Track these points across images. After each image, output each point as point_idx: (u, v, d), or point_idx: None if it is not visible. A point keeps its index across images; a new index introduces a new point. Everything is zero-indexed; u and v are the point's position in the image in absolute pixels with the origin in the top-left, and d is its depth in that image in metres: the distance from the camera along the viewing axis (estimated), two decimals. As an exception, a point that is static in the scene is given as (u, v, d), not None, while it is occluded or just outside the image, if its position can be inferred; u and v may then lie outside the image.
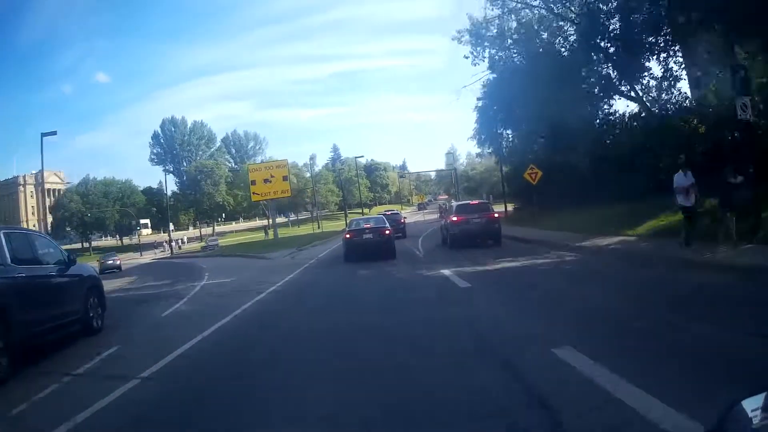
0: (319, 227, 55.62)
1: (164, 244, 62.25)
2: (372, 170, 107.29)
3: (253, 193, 44.68)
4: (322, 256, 20.67)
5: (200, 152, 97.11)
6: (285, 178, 43.76)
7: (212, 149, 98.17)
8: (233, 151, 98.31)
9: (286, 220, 64.99)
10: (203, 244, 57.02)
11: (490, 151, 36.20)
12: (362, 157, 60.80)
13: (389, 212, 31.76)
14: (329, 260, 18.62)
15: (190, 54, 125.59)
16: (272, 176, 42.94)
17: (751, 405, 1.07)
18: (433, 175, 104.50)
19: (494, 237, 17.00)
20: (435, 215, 46.79)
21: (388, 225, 16.82)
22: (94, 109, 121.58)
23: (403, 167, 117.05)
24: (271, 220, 48.35)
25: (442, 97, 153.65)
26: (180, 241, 64.99)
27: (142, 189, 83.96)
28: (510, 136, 31.69)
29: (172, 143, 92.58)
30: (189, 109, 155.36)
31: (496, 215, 18.01)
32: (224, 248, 45.29)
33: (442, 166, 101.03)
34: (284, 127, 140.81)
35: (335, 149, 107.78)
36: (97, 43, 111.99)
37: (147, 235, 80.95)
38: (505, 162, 33.78)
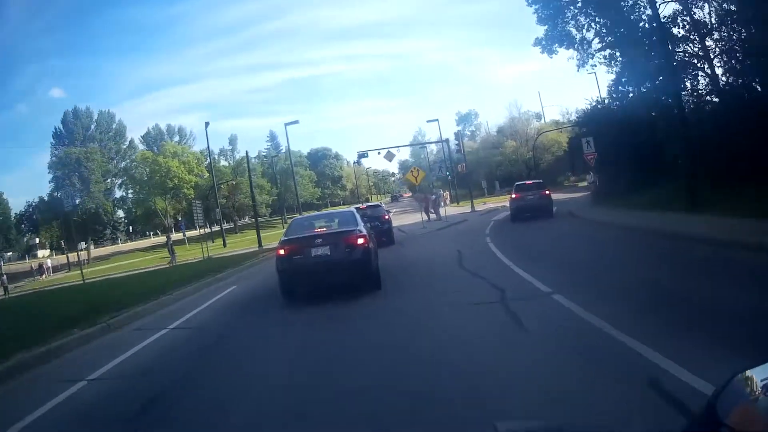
0: (224, 245, 39.40)
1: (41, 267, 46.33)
2: (319, 158, 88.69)
3: None
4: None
5: (106, 150, 79.38)
6: None
7: (123, 146, 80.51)
8: (155, 149, 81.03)
9: (182, 235, 44.95)
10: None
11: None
12: (297, 123, 39.16)
13: (366, 205, 21.57)
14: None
15: (141, 69, 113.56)
16: None
17: (754, 374, 1.02)
18: (396, 170, 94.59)
19: (546, 211, 19.58)
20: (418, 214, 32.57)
21: (360, 227, 9.16)
22: (50, 128, 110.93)
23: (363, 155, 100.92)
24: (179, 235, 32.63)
25: (395, 101, 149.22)
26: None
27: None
28: None
29: (73, 140, 75.41)
30: (142, 123, 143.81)
31: (547, 192, 20.59)
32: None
33: (396, 167, 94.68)
34: (238, 137, 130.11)
35: (273, 137, 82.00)
36: (51, 63, 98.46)
37: (44, 257, 64.77)
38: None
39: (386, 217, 19.54)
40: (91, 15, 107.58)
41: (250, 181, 25.94)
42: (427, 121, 45.02)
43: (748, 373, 1.01)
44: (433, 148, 74.93)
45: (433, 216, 27.46)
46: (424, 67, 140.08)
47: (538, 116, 59.30)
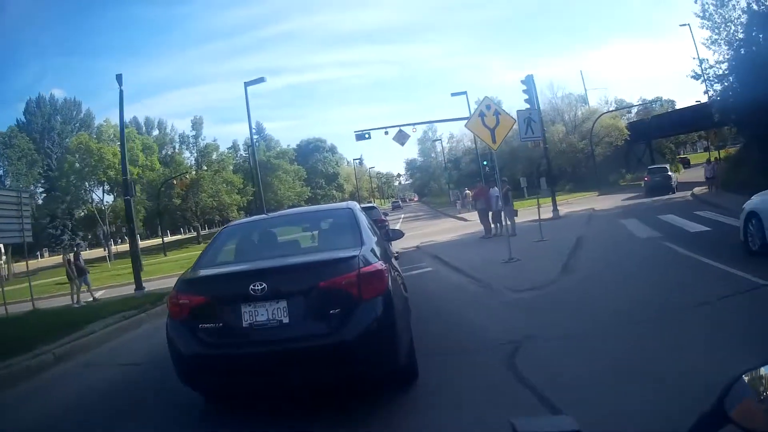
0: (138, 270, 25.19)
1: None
2: (311, 151, 74.14)
3: None
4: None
5: (67, 142, 69.54)
6: None
7: (88, 139, 70.46)
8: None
9: (104, 251, 35.97)
10: None
11: None
12: (263, 81, 24.17)
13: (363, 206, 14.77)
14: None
15: (141, 71, 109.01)
16: None
17: (761, 373, 1.04)
18: (402, 174, 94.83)
19: (670, 187, 25.09)
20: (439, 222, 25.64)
21: (368, 248, 3.64)
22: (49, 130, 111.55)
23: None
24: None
25: (398, 106, 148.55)
26: None
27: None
28: None
29: (31, 132, 66.25)
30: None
31: (670, 174, 26.90)
32: None
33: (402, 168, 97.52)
34: (234, 142, 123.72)
35: (260, 129, 69.42)
36: (51, 62, 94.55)
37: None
38: None
39: (383, 221, 16.31)
40: (94, 14, 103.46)
41: (123, 146, 13.86)
42: (452, 95, 34.79)
43: (757, 371, 1.02)
44: (447, 144, 64.37)
45: (493, 228, 15.69)
46: (428, 73, 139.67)
47: (583, 100, 48.41)
